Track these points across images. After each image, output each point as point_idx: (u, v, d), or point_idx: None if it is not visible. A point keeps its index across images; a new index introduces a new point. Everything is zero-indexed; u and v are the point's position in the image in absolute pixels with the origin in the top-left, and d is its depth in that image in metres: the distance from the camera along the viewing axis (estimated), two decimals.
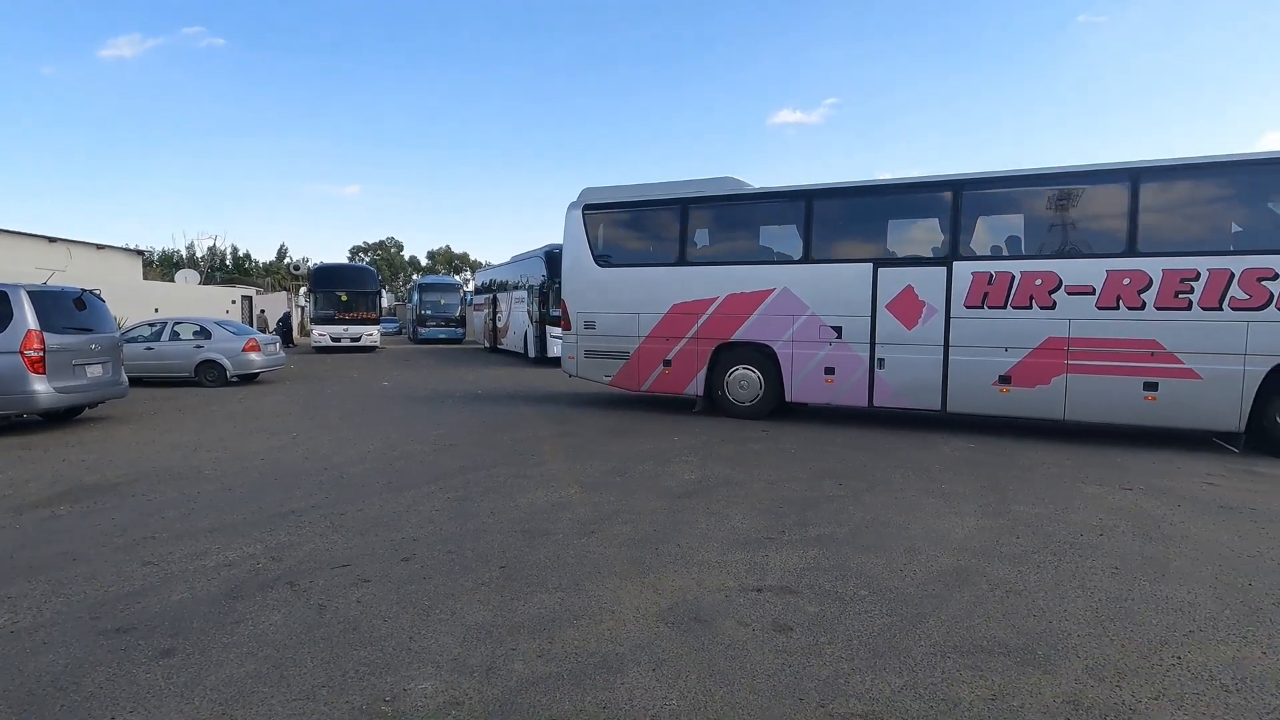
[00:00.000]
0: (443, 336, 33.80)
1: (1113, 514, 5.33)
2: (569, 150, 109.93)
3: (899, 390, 8.98)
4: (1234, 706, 2.67)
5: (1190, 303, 7.52)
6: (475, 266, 65.76)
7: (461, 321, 34.73)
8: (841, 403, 9.45)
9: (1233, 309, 7.36)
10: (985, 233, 8.89)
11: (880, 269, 9.00)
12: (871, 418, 9.94)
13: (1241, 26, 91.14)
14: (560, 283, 19.04)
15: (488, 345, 27.83)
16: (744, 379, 10.00)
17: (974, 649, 3.15)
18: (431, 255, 74.61)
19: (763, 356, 9.84)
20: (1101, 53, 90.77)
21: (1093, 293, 7.93)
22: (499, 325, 25.80)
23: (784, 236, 10.16)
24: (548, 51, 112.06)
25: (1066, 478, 6.53)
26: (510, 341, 24.06)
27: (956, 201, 8.66)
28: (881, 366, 9.03)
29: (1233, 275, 7.36)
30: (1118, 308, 7.82)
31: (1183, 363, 7.57)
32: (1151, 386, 7.72)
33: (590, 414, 10.70)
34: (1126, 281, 7.77)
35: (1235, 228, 7.79)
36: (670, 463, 7.17)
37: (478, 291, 32.07)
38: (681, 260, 10.42)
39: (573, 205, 11.39)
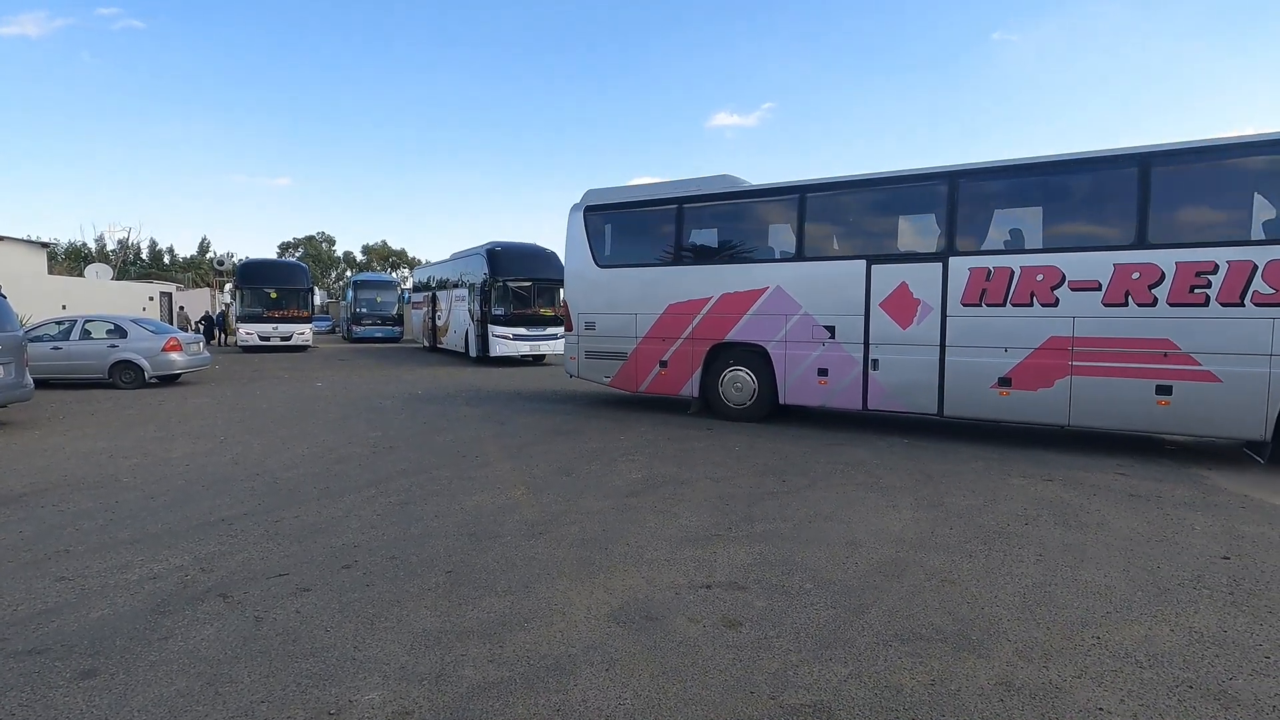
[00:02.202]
0: (379, 335, 32.90)
1: (1036, 504, 5.64)
2: (509, 150, 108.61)
3: (893, 392, 8.64)
4: (1147, 681, 2.88)
5: (1208, 298, 6.89)
6: (413, 264, 64.06)
7: (399, 320, 33.85)
8: (835, 405, 9.21)
9: (1256, 305, 6.70)
10: (983, 226, 8.47)
11: (874, 266, 8.68)
12: (810, 417, 10.19)
13: (1143, 47, 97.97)
14: (502, 281, 19.09)
15: (427, 344, 27.18)
16: (738, 380, 9.83)
17: (913, 637, 3.28)
18: (367, 251, 72.20)
19: (757, 357, 9.66)
20: (1014, 67, 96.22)
21: (1099, 288, 7.39)
22: (439, 324, 25.24)
23: (778, 234, 10.02)
24: (487, 50, 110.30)
25: (994, 471, 6.87)
26: (450, 341, 23.58)
27: (953, 194, 8.28)
28: (875, 368, 8.69)
29: (1256, 268, 6.70)
30: (1126, 304, 7.26)
31: (1200, 364, 6.94)
32: (1165, 390, 7.11)
33: (534, 414, 10.60)
34: (1136, 276, 7.20)
35: (1259, 215, 7.03)
36: (616, 462, 7.18)
37: (416, 289, 31.29)
38: (677, 260, 10.35)
39: (575, 207, 11.34)
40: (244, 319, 25.03)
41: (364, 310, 33.29)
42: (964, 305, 8.12)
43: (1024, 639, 3.25)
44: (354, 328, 33.36)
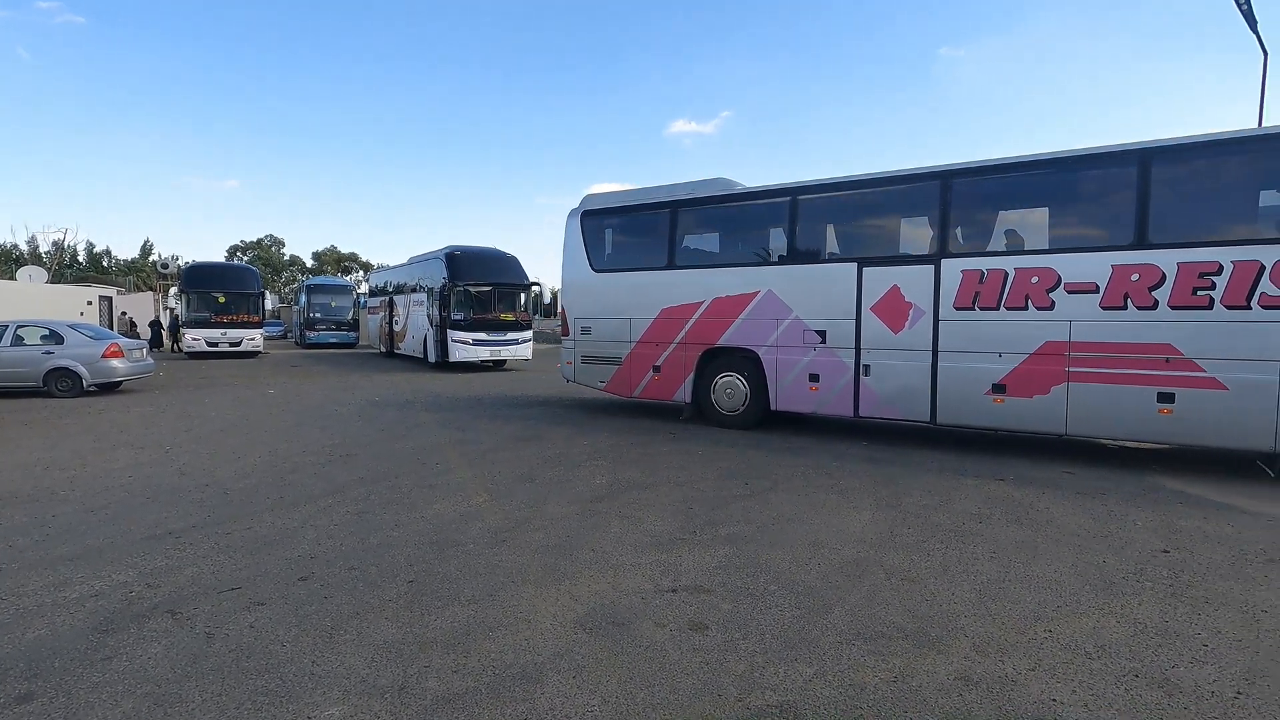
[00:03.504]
0: (334, 340, 32.09)
1: (989, 503, 5.82)
2: (463, 158, 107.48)
3: (886, 399, 8.39)
4: (1096, 671, 2.99)
5: (1211, 300, 6.55)
6: (366, 267, 62.78)
7: (355, 325, 33.09)
8: (826, 412, 9.06)
9: (1264, 308, 6.36)
10: (976, 227, 8.18)
11: (865, 268, 8.46)
12: (775, 423, 10.30)
13: (1084, 63, 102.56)
14: (461, 285, 18.84)
15: (384, 350, 26.66)
16: (730, 386, 9.71)
17: (875, 635, 3.34)
18: (318, 256, 70.46)
19: (749, 363, 9.52)
20: (961, 80, 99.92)
21: (1096, 291, 7.09)
22: (396, 329, 24.77)
23: (770, 236, 9.86)
24: (444, 48, 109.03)
25: (948, 472, 7.06)
26: (408, 346, 23.16)
27: (945, 194, 8.02)
28: (867, 374, 8.45)
29: (1263, 268, 6.35)
30: (1125, 308, 6.96)
31: (1204, 370, 6.60)
32: (1167, 398, 6.77)
33: (495, 420, 10.48)
34: (1135, 277, 6.90)
35: (1265, 214, 6.72)
36: (579, 467, 7.14)
37: (372, 294, 30.67)
38: (670, 263, 10.25)
39: (573, 212, 11.27)
40: (190, 324, 24.13)
41: (318, 315, 32.42)
42: (957, 309, 7.86)
43: (980, 634, 3.35)
44: (307, 333, 32.45)
